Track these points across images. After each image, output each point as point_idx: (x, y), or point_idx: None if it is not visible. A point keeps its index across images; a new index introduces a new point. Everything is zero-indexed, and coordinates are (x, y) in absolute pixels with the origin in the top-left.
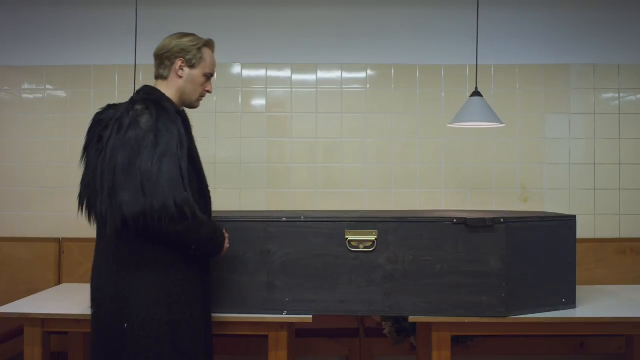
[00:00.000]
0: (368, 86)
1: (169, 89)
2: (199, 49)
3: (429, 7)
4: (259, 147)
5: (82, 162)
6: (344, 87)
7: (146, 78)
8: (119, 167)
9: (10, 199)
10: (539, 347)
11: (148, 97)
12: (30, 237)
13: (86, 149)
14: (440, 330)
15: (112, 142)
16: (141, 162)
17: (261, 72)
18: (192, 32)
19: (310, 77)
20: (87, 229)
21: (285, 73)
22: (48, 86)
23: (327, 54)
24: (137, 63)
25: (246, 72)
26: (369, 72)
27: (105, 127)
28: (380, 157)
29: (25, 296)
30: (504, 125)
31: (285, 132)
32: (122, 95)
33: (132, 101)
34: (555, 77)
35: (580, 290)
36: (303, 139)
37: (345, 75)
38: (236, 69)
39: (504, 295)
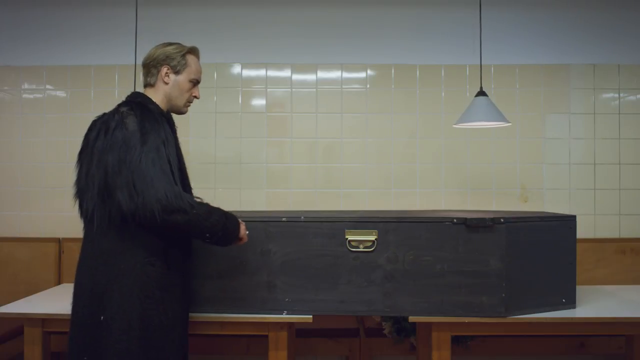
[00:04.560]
0: (368, 86)
1: (157, 96)
2: (183, 56)
3: (429, 7)
4: (259, 147)
5: (76, 165)
6: (344, 87)
7: None
8: (110, 167)
9: (10, 199)
10: (539, 347)
11: (133, 100)
12: (30, 237)
13: (80, 154)
14: (440, 330)
15: (100, 144)
16: (131, 161)
17: (261, 72)
18: (192, 32)
19: (310, 77)
20: None
21: (285, 73)
22: (48, 86)
23: (327, 54)
24: (137, 63)
25: (246, 72)
26: (369, 72)
27: (91, 130)
28: (380, 157)
29: (25, 296)
30: (510, 124)
31: (285, 132)
32: (122, 95)
33: (118, 105)
34: (555, 77)
35: (580, 290)
36: (303, 139)
37: (345, 75)
38: (236, 69)
39: (504, 295)
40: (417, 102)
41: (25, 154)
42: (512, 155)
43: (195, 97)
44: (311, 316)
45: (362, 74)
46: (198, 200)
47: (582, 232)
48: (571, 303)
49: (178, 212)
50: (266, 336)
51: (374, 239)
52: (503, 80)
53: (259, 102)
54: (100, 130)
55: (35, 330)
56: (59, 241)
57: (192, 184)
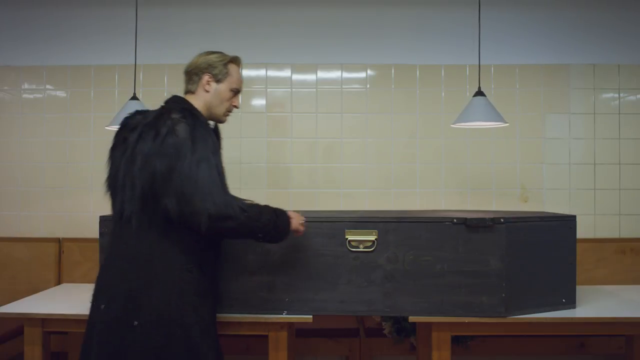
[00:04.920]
0: (368, 86)
1: (197, 103)
2: (225, 65)
3: (429, 7)
4: (259, 147)
5: (108, 163)
6: (344, 87)
7: (146, 78)
8: (159, 174)
9: (10, 199)
10: (539, 347)
11: (178, 105)
12: (30, 237)
13: (112, 150)
14: (440, 330)
15: (146, 147)
16: (181, 169)
17: (261, 72)
18: (192, 32)
19: (310, 77)
20: (87, 229)
21: (285, 73)
22: (48, 86)
23: (327, 54)
24: (137, 63)
25: (246, 72)
26: (369, 72)
27: (131, 130)
28: (380, 157)
29: (25, 296)
30: (507, 124)
31: (285, 132)
32: (122, 95)
33: (167, 110)
34: (555, 77)
35: (580, 290)
36: (303, 139)
37: (345, 75)
38: None
39: (504, 295)
40: (417, 102)
41: (25, 154)
42: (512, 155)
43: (235, 106)
44: (311, 316)
45: (362, 74)
46: (248, 202)
47: (582, 232)
48: (571, 303)
49: (229, 219)
50: (266, 336)
51: (374, 239)
52: (503, 80)
53: (259, 102)
54: (146, 133)
55: (35, 330)
56: (58, 241)
57: None
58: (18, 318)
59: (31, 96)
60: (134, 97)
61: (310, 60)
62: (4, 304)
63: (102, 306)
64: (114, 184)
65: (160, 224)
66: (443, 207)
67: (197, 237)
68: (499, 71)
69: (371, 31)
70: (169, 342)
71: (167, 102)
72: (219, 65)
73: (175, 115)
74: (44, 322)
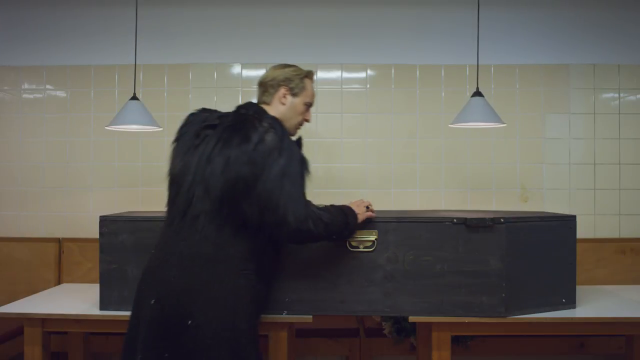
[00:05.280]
0: (368, 86)
1: (272, 115)
2: (302, 79)
3: (429, 7)
4: None
5: (172, 156)
6: (344, 87)
7: (146, 78)
8: (242, 180)
9: (10, 199)
10: (539, 347)
11: (267, 115)
12: (30, 237)
13: (177, 143)
14: (440, 330)
15: (234, 153)
16: (267, 178)
17: (261, 72)
18: (192, 32)
19: None
20: (87, 229)
21: None
22: (48, 86)
23: (327, 54)
24: (137, 63)
25: (246, 72)
26: (369, 72)
27: (203, 128)
28: (380, 157)
29: (25, 296)
30: (505, 125)
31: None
32: (122, 95)
33: (254, 117)
34: (555, 77)
35: (580, 290)
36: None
37: (345, 75)
38: (236, 69)
39: (504, 295)
40: (417, 102)
41: (25, 154)
42: (512, 155)
43: (306, 120)
44: (311, 316)
45: (362, 74)
46: (322, 207)
47: (582, 232)
48: (571, 303)
49: (308, 230)
50: (266, 336)
51: (374, 239)
52: (503, 80)
53: None
54: (230, 137)
55: (35, 330)
56: (58, 241)
57: None
58: (18, 318)
59: (31, 96)
60: (134, 97)
61: (310, 60)
62: (4, 304)
63: (152, 301)
64: (179, 180)
65: (230, 227)
66: (443, 207)
67: (262, 244)
68: (499, 71)
69: (371, 31)
70: (217, 345)
71: (246, 107)
72: (295, 79)
73: (265, 124)
74: (44, 322)
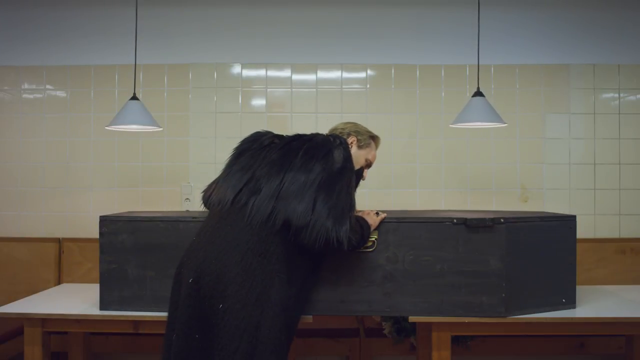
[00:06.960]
0: (368, 86)
1: None
2: (370, 137)
3: (429, 7)
4: None
5: (232, 164)
6: (344, 87)
7: (146, 78)
8: (308, 185)
9: (10, 199)
10: (539, 347)
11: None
12: (30, 237)
13: (239, 156)
14: (440, 330)
15: (319, 167)
16: (326, 193)
17: (261, 72)
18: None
19: (310, 77)
20: (87, 229)
21: (285, 73)
22: (48, 86)
23: (327, 54)
24: (137, 63)
25: (246, 72)
26: (369, 72)
27: (269, 144)
28: (380, 157)
29: (25, 296)
30: (506, 125)
31: (285, 132)
32: (122, 95)
33: (340, 145)
34: (555, 77)
35: (580, 290)
36: None
37: (345, 75)
38: (236, 69)
39: (504, 295)
40: (417, 102)
41: (25, 154)
42: (512, 155)
43: (363, 178)
44: (311, 316)
45: (362, 74)
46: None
47: (582, 232)
48: (571, 303)
49: (341, 244)
50: None
51: (374, 239)
52: (503, 80)
53: (259, 102)
54: (317, 153)
55: (35, 330)
56: (58, 241)
57: (192, 184)
58: (18, 318)
59: (31, 96)
60: (134, 97)
61: (310, 60)
62: (4, 304)
63: (190, 280)
64: (238, 177)
65: (274, 223)
66: (443, 207)
67: (297, 252)
68: (499, 71)
69: (371, 31)
70: (239, 338)
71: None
72: (365, 135)
73: (337, 141)
74: (44, 322)
